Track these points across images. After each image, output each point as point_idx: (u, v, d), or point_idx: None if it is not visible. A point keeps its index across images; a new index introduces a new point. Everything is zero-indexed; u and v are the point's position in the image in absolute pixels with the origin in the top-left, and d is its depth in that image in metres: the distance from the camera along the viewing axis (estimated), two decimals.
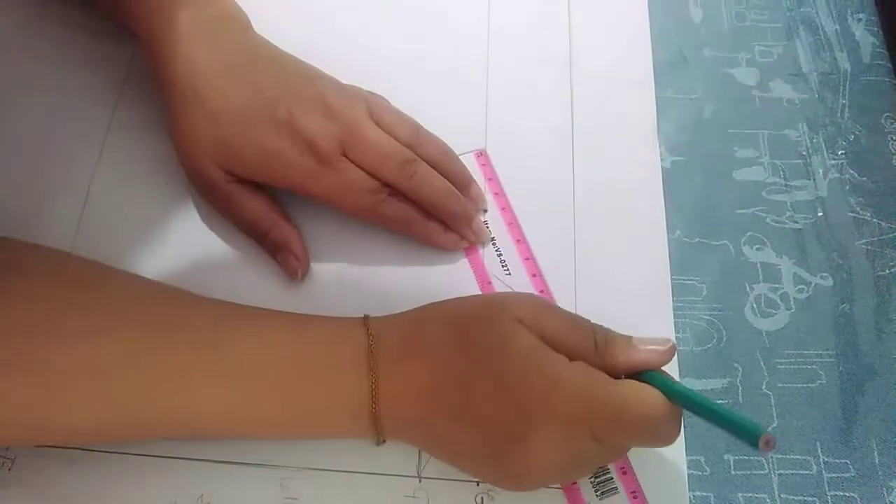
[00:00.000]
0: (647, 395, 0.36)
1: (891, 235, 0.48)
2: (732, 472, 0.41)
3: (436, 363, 0.37)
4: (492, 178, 0.49)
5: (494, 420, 0.36)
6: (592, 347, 0.38)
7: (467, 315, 0.39)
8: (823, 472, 0.42)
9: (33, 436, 0.37)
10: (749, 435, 0.33)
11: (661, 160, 0.50)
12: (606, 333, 0.39)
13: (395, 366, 0.38)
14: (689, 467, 0.41)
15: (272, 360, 0.38)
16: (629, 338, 0.39)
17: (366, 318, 0.40)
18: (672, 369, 0.43)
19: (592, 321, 0.40)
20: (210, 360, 0.37)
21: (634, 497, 0.40)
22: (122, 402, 0.36)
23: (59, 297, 0.37)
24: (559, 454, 0.36)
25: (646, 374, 0.38)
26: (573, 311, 0.44)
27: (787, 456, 0.42)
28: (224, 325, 0.38)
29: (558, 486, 0.40)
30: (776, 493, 0.41)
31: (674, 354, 0.39)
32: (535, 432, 0.36)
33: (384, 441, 0.39)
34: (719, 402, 0.43)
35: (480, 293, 0.45)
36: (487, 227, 0.47)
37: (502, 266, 0.46)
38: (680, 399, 0.37)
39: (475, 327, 0.38)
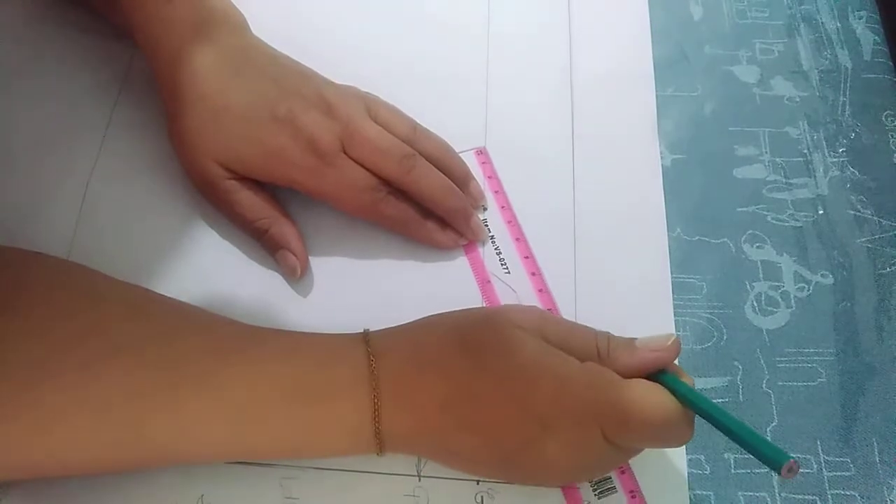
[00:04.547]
0: (654, 399, 0.35)
1: (891, 233, 0.48)
2: (733, 471, 0.41)
3: (442, 374, 0.37)
4: (491, 176, 0.49)
5: (505, 427, 0.36)
6: (595, 353, 0.38)
7: (471, 323, 0.38)
8: (824, 470, 0.41)
9: (27, 471, 0.37)
10: (773, 462, 0.33)
11: (662, 158, 0.50)
12: (609, 338, 0.38)
13: (399, 383, 0.37)
14: (689, 466, 0.41)
15: (268, 392, 0.37)
16: (631, 340, 0.38)
17: (365, 333, 0.39)
18: None
19: (593, 328, 0.39)
20: (204, 396, 0.36)
21: (633, 496, 0.40)
22: (116, 438, 0.36)
23: (54, 333, 0.36)
24: (573, 456, 0.36)
25: (660, 375, 0.37)
26: (573, 310, 0.44)
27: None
28: (218, 358, 0.37)
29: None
30: (776, 491, 0.41)
31: (679, 349, 0.37)
32: (547, 436, 0.35)
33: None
34: (719, 401, 0.43)
35: (481, 306, 0.44)
36: (487, 226, 0.47)
37: (501, 264, 0.46)
38: (692, 406, 0.36)
39: (480, 334, 0.38)
